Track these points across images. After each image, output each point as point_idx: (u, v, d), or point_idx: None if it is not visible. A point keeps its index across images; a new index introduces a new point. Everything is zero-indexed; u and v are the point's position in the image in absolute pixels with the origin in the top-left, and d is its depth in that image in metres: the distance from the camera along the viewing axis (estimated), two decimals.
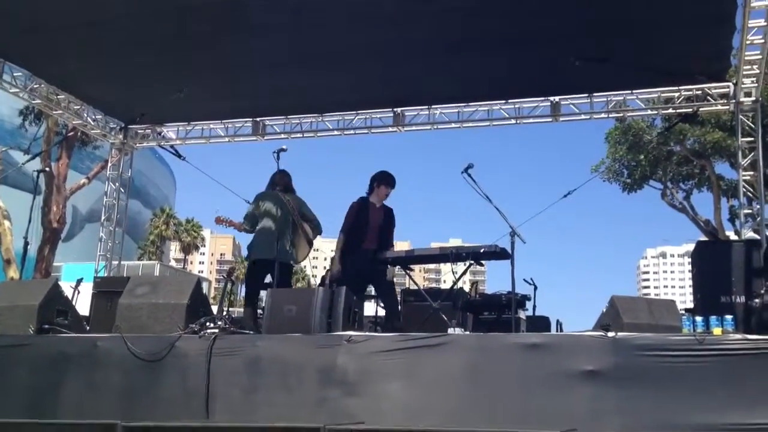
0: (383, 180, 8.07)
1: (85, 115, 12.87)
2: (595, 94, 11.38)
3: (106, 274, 12.75)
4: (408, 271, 8.00)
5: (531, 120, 11.90)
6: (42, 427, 5.49)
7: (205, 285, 49.74)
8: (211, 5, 8.78)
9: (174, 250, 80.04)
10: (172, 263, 75.36)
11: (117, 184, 13.65)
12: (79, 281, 9.32)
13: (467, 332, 6.10)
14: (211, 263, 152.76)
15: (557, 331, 8.52)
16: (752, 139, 10.39)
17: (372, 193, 8.09)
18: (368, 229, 7.90)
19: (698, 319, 5.72)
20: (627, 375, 5.30)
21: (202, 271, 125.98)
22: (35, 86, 11.65)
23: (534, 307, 8.48)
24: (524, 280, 8.40)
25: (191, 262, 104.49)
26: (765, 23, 8.59)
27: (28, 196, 9.67)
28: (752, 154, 10.41)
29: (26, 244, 8.60)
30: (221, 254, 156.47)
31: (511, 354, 5.52)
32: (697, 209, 24.90)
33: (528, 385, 5.42)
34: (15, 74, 11.26)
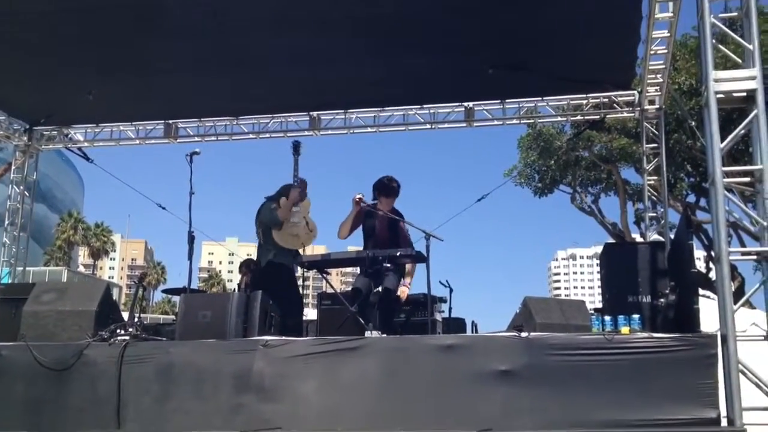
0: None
1: None
2: (507, 100, 11.57)
3: (10, 281, 12.26)
4: (324, 275, 7.97)
5: (446, 125, 12.00)
6: None
7: (115, 291, 48.42)
8: (124, 4, 8.55)
9: (83, 255, 77.74)
10: (81, 269, 73.20)
11: (21, 187, 13.09)
12: None
13: (384, 335, 6.11)
14: (122, 269, 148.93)
15: (473, 332, 8.64)
16: (656, 145, 10.76)
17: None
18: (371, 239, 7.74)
19: (607, 318, 5.90)
20: (539, 374, 5.44)
21: (112, 277, 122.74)
22: None
23: (450, 309, 8.57)
24: (440, 282, 8.47)
25: (101, 268, 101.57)
26: (668, 34, 8.89)
27: None
28: (656, 159, 10.80)
29: None
30: (132, 259, 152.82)
31: (427, 356, 5.58)
32: (604, 213, 25.76)
33: (444, 386, 5.49)
34: None
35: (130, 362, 5.75)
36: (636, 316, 5.89)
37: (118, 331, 6.03)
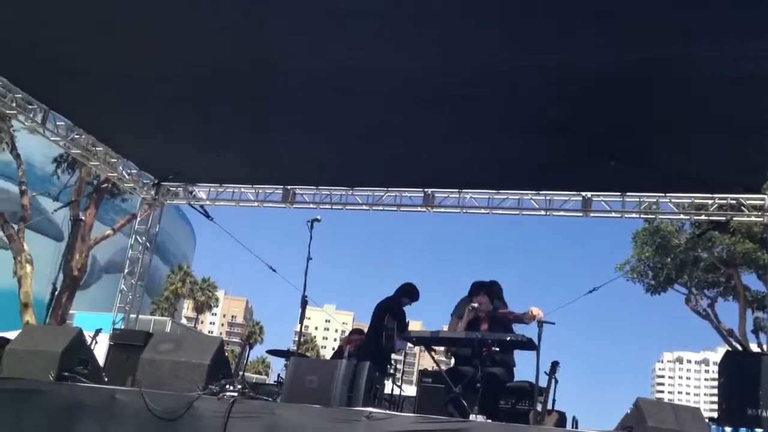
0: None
1: (120, 168, 13.07)
2: (627, 193, 11.38)
3: (122, 327, 12.73)
4: (431, 352, 7.91)
5: (561, 213, 11.90)
6: None
7: None
8: (253, 72, 8.99)
9: (186, 308, 79.95)
10: (184, 321, 75.19)
11: (143, 238, 13.73)
12: (97, 332, 9.30)
13: (488, 420, 5.97)
14: (222, 324, 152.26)
15: (573, 428, 8.33)
16: None
17: None
18: None
19: (728, 430, 5.60)
20: None
21: (212, 331, 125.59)
22: (75, 136, 11.87)
23: (554, 401, 8.31)
24: (545, 372, 8.27)
25: (202, 321, 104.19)
26: None
27: (49, 242, 9.82)
28: None
29: (54, 290, 8.66)
30: (233, 316, 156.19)
31: None
32: (721, 318, 24.60)
33: None
34: (58, 123, 11.51)
35: (237, 418, 5.82)
36: (759, 431, 5.56)
37: (227, 386, 6.13)
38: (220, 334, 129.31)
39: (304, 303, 7.77)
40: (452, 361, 7.74)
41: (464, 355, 7.47)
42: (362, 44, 8.08)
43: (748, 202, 10.82)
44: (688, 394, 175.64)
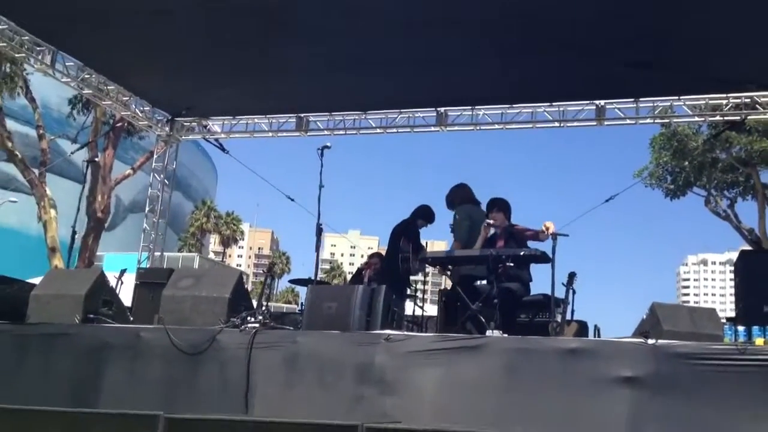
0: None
1: (133, 106, 13.04)
2: (641, 99, 11.22)
3: (148, 266, 12.95)
4: (447, 272, 8.00)
5: (575, 123, 11.78)
6: (84, 416, 5.59)
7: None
8: (263, 7, 8.88)
9: (213, 242, 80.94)
10: (211, 256, 76.26)
11: (162, 176, 13.82)
12: (122, 272, 9.43)
13: (506, 335, 6.07)
14: (249, 257, 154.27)
15: (595, 336, 8.44)
16: None
17: None
18: None
19: (740, 328, 5.65)
20: (666, 383, 5.26)
21: (240, 265, 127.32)
22: (86, 76, 11.82)
23: (573, 311, 8.40)
24: (562, 283, 8.34)
25: (230, 255, 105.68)
26: None
27: (73, 185, 9.89)
28: None
29: (74, 233, 8.77)
30: (259, 248, 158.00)
31: (550, 358, 5.51)
32: (741, 218, 24.46)
33: (566, 391, 5.40)
34: (67, 63, 11.46)
35: (259, 349, 5.97)
36: None
37: (248, 318, 6.27)
38: (248, 267, 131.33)
39: (319, 231, 7.85)
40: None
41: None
42: None
43: (762, 99, 10.61)
44: (713, 295, 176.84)
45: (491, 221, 7.71)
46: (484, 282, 7.53)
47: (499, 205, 7.89)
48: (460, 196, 8.64)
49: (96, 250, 24.93)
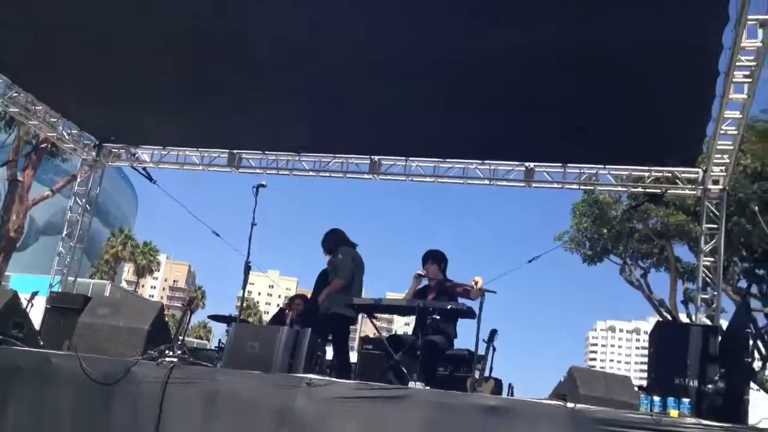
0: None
1: (60, 128, 12.73)
2: (568, 164, 11.55)
3: (60, 290, 12.50)
4: (372, 320, 7.97)
5: (504, 183, 12.03)
6: None
7: None
8: (201, 37, 8.81)
9: (127, 271, 78.82)
10: (124, 285, 74.16)
11: (84, 200, 13.46)
12: (33, 294, 9.09)
13: (427, 387, 6.06)
14: (164, 289, 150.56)
15: (509, 395, 8.51)
16: (715, 226, 10.59)
17: None
18: None
19: (656, 399, 5.76)
20: None
21: (153, 296, 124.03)
22: (14, 94, 11.52)
23: (491, 368, 8.47)
24: (483, 340, 8.41)
25: (143, 286, 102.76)
26: (740, 115, 8.83)
27: None
28: (713, 240, 10.60)
29: None
30: (174, 281, 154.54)
31: (471, 415, 5.51)
32: (653, 288, 25.22)
33: None
34: None
35: (176, 384, 5.78)
36: (686, 400, 5.74)
37: (166, 352, 6.09)
38: (161, 298, 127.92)
39: (247, 269, 7.72)
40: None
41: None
42: (317, 11, 7.98)
43: (683, 175, 11.08)
44: (619, 362, 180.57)
45: (422, 272, 7.77)
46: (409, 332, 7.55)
47: (434, 257, 7.94)
48: (340, 239, 8.73)
49: (5, 270, 24.00)
